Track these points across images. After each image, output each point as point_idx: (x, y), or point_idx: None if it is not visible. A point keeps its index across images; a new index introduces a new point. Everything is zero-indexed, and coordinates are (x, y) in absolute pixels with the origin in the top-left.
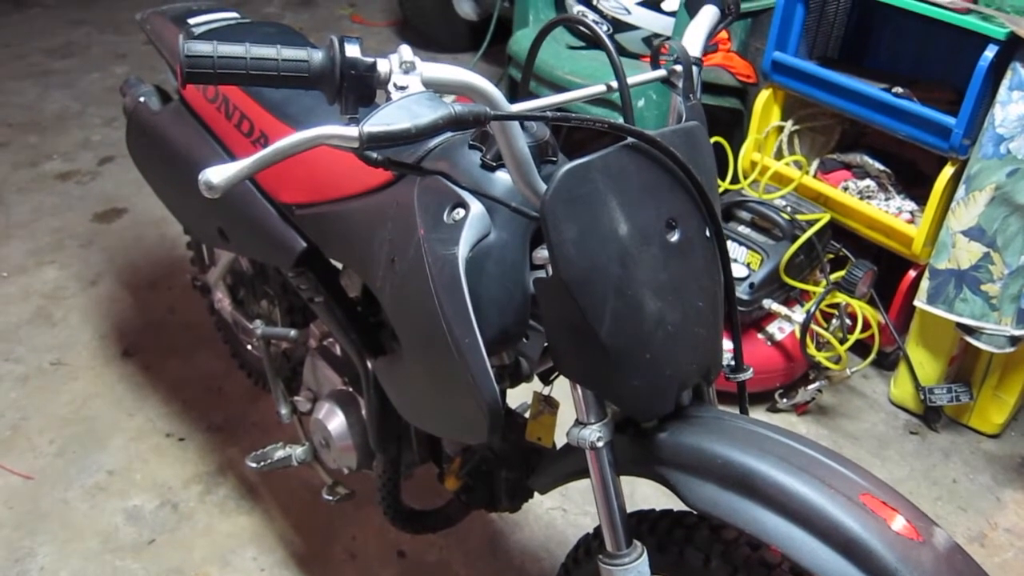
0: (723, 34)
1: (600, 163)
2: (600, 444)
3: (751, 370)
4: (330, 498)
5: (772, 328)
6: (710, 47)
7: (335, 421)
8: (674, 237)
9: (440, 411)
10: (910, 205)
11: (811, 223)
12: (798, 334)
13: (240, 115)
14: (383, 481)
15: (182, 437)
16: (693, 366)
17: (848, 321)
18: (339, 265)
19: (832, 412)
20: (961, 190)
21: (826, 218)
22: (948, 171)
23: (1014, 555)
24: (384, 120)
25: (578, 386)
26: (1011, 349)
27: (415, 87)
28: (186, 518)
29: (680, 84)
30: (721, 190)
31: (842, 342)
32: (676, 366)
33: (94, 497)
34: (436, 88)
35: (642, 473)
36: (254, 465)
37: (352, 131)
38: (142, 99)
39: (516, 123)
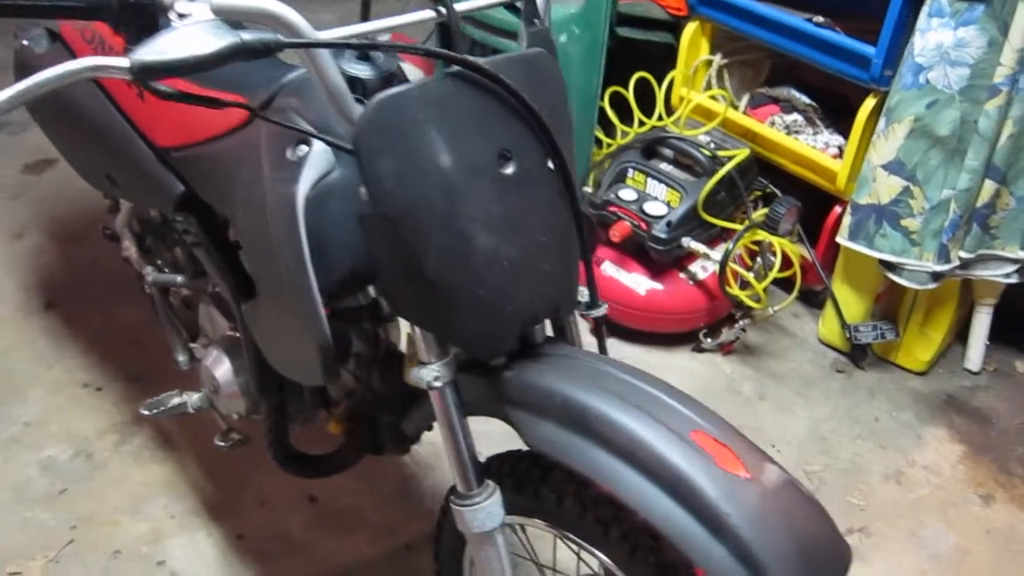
0: None
1: (418, 93)
2: (439, 384)
3: (605, 306)
4: (223, 444)
5: (694, 267)
6: None
7: (222, 367)
8: (509, 169)
9: (286, 352)
10: (838, 140)
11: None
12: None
13: None
14: (268, 426)
15: (100, 387)
16: (538, 303)
17: (772, 259)
18: None
19: (759, 351)
20: (881, 123)
21: (744, 153)
22: (870, 103)
23: (929, 492)
24: (159, 49)
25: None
26: (933, 285)
27: (201, 14)
28: (100, 468)
29: (523, 8)
30: (647, 127)
31: (762, 281)
32: (517, 303)
33: (8, 449)
34: (227, 15)
35: (488, 412)
36: (147, 412)
37: (124, 61)
38: (26, 42)
39: (326, 52)
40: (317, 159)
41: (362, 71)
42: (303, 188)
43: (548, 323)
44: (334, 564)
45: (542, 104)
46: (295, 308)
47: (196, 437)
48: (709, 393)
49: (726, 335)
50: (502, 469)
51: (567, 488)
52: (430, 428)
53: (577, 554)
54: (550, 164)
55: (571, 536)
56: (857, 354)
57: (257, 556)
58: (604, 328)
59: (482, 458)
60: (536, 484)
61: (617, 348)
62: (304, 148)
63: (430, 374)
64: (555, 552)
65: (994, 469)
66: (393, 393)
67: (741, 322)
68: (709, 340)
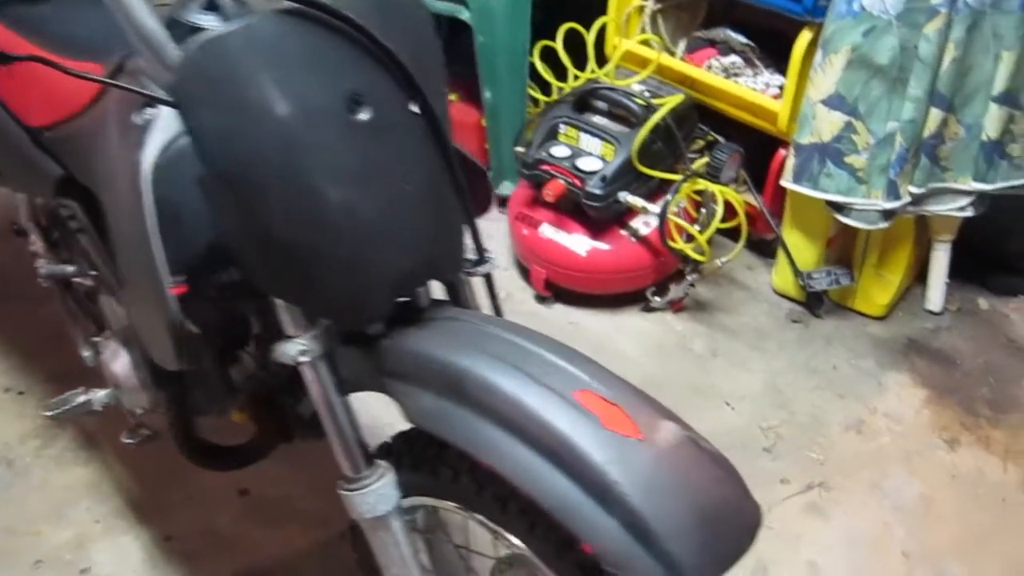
0: None
1: (244, 34)
2: (306, 359)
3: (492, 262)
4: (131, 441)
5: (636, 224)
6: None
7: (120, 360)
8: (363, 115)
9: (148, 336)
10: (779, 80)
11: None
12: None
13: None
14: (171, 419)
15: (21, 391)
16: (411, 262)
17: (715, 208)
18: None
19: (711, 307)
20: (818, 56)
21: (679, 99)
22: (806, 37)
23: (891, 440)
24: None
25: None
26: (885, 224)
27: None
28: (21, 475)
29: None
30: (582, 81)
31: (705, 232)
32: (385, 263)
33: None
34: None
35: (370, 386)
36: (50, 413)
37: None
38: None
39: None
40: (166, 122)
41: (208, 21)
42: (150, 154)
43: (442, 287)
44: (265, 557)
45: (401, 43)
46: (146, 286)
47: (118, 436)
48: (660, 353)
49: (674, 292)
50: (402, 447)
51: (462, 464)
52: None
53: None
54: (415, 109)
55: (475, 515)
56: (813, 303)
57: (185, 556)
58: (494, 286)
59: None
60: (432, 461)
61: (563, 313)
62: (151, 111)
63: (295, 348)
64: (467, 533)
65: (959, 412)
66: (284, 374)
67: (689, 277)
68: (658, 299)
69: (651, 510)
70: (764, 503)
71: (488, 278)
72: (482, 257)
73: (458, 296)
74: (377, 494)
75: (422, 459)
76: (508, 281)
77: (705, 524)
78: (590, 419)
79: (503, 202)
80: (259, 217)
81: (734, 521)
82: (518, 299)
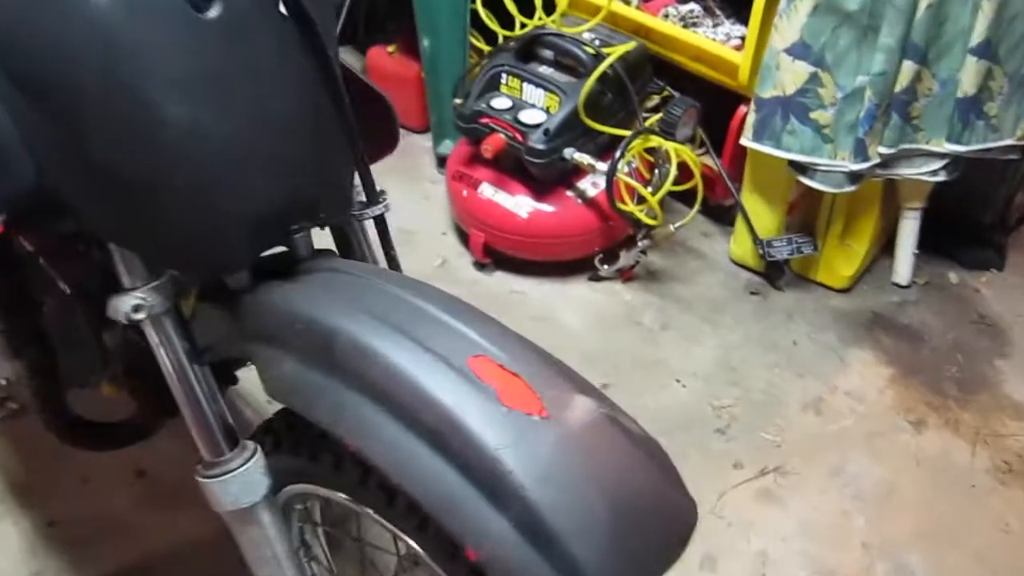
0: None
1: None
2: (141, 316)
3: (386, 203)
4: None
5: (584, 184)
6: None
7: None
8: (213, 12)
9: None
10: (740, 30)
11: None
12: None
13: None
14: (32, 390)
15: None
16: (279, 199)
17: (668, 168)
18: None
19: (664, 276)
20: (783, 1)
21: (630, 46)
22: None
23: (854, 422)
24: None
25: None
26: (851, 188)
27: None
28: None
29: None
30: (528, 29)
31: (656, 193)
32: (242, 199)
33: None
34: None
35: (232, 352)
36: None
37: None
38: None
39: None
40: None
41: None
42: None
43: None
44: (157, 546)
45: None
46: None
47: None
48: (607, 325)
49: (624, 260)
50: (282, 427)
51: (345, 448)
52: (234, 382)
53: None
54: (279, 7)
55: (364, 508)
56: (773, 273)
57: (71, 543)
58: (389, 233)
59: None
60: (313, 445)
61: (504, 281)
62: None
63: (128, 303)
64: (358, 526)
65: (925, 392)
66: None
67: (640, 244)
68: (606, 267)
69: (551, 505)
70: (715, 489)
71: (381, 223)
72: (374, 198)
73: (349, 246)
74: (240, 482)
75: (302, 441)
76: (446, 247)
77: (622, 524)
78: (484, 392)
79: (443, 162)
80: (76, 137)
81: (661, 521)
82: (455, 266)
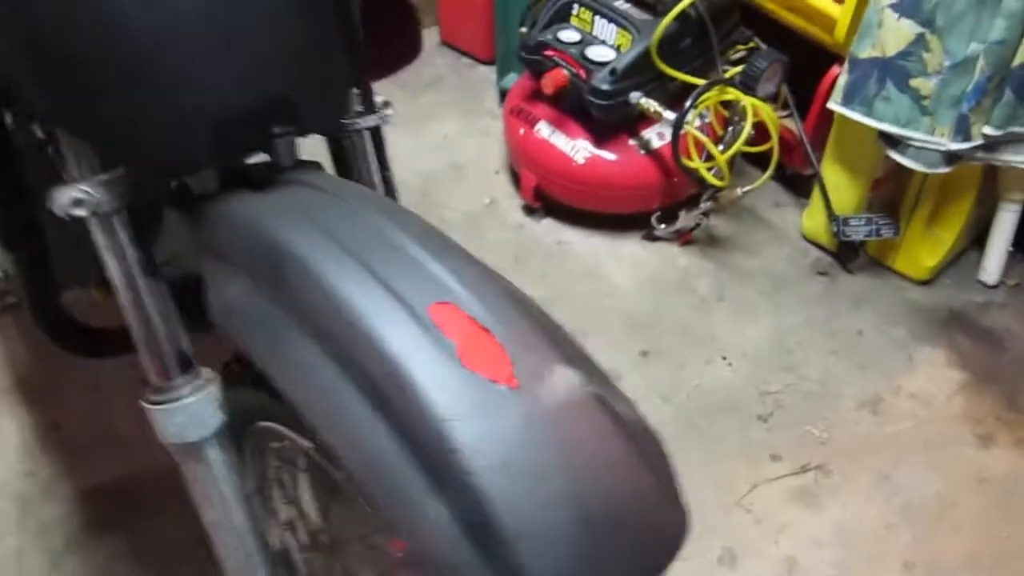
0: None
1: None
2: (80, 211)
3: (384, 114)
4: None
5: (649, 133)
6: None
7: None
8: None
9: None
10: None
11: None
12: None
13: None
14: (23, 285)
15: None
16: (254, 94)
17: (742, 125)
18: None
19: (725, 243)
20: None
21: None
22: None
23: (912, 426)
24: None
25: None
26: (946, 169)
27: None
28: None
29: None
30: None
31: (727, 151)
32: (206, 87)
33: None
34: None
35: (190, 265)
36: None
37: None
38: None
39: None
40: None
41: None
42: None
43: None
44: (151, 465)
45: None
46: None
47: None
48: (656, 289)
49: (684, 221)
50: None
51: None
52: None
53: None
54: None
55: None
56: (846, 254)
57: (69, 448)
58: (385, 148)
59: None
60: None
61: (551, 229)
62: None
63: (68, 195)
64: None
65: (999, 404)
66: None
67: (704, 205)
68: (663, 226)
69: (504, 499)
70: (747, 480)
71: (377, 137)
72: (370, 107)
73: (346, 161)
74: (187, 413)
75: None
76: (497, 187)
77: (590, 532)
78: (441, 347)
79: (505, 96)
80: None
81: (640, 534)
82: (503, 208)
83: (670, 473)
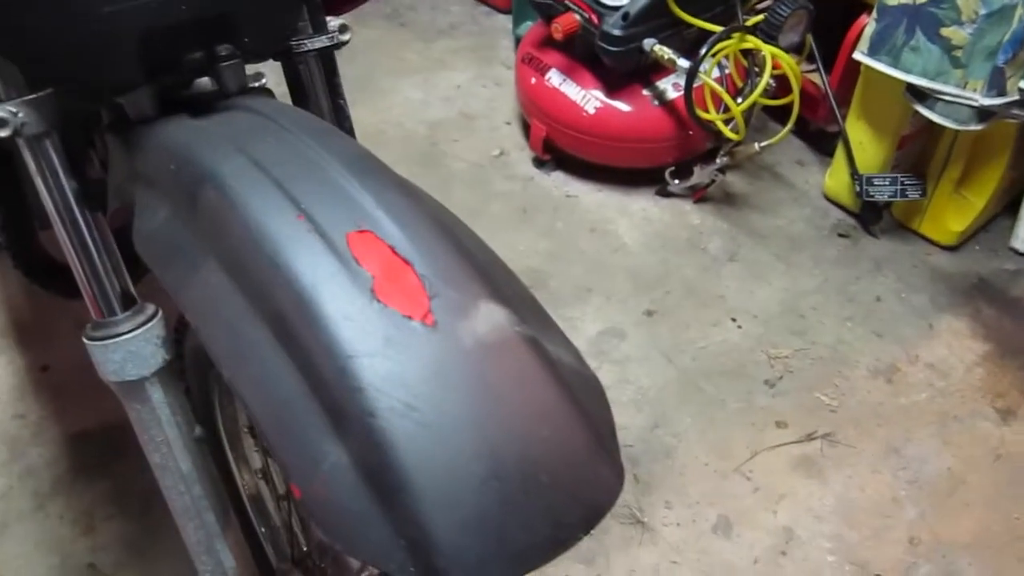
0: None
1: None
2: (3, 132)
3: (335, 35)
4: None
5: (663, 84)
6: None
7: None
8: None
9: None
10: None
11: None
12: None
13: None
14: (1, 222)
15: None
16: (180, 7)
17: (767, 78)
18: None
19: (741, 202)
20: None
21: None
22: None
23: (929, 398)
24: None
25: None
26: (978, 127)
27: None
28: None
29: None
30: None
31: (743, 102)
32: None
33: None
34: None
35: (124, 197)
36: None
37: None
38: None
39: None
40: None
41: None
42: None
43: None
44: None
45: None
46: None
47: None
48: (666, 246)
49: (698, 176)
50: None
51: None
52: None
53: None
54: None
55: None
56: (868, 216)
57: (59, 391)
58: (337, 72)
59: None
60: None
61: (561, 182)
62: None
63: None
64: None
65: (1022, 378)
66: None
67: (719, 160)
68: (677, 182)
69: (408, 446)
70: (748, 445)
71: (328, 60)
72: (319, 27)
73: (300, 87)
74: (127, 350)
75: None
76: (507, 138)
77: (504, 486)
78: (355, 278)
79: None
80: None
81: (563, 492)
82: (513, 159)
83: (607, 428)
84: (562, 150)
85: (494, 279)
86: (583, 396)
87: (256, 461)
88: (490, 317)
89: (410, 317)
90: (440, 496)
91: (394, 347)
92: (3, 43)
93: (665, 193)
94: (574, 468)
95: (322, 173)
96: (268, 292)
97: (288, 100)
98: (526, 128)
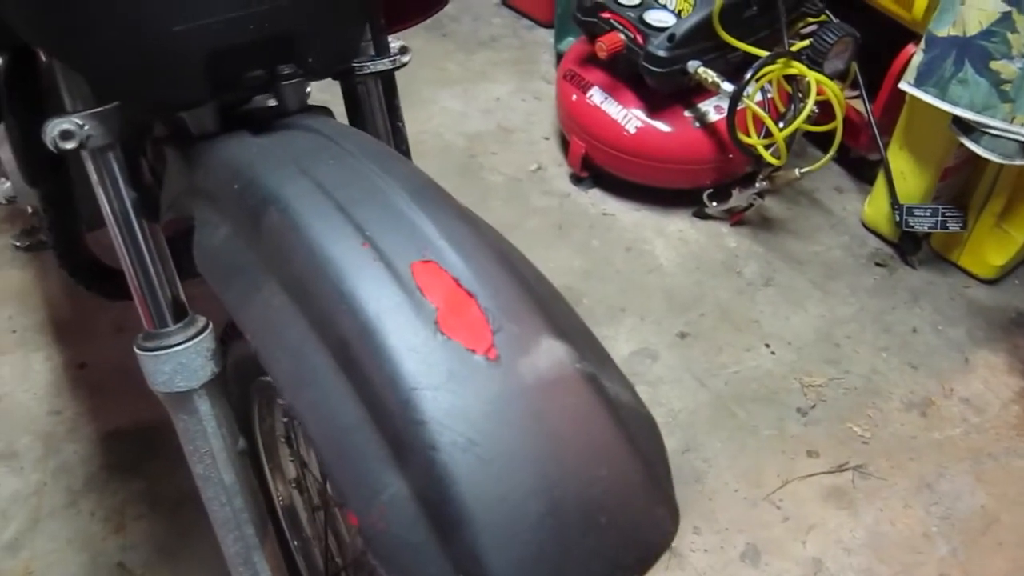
0: None
1: None
2: (69, 144)
3: (397, 59)
4: (18, 245)
5: (705, 106)
6: None
7: (5, 146)
8: None
9: None
10: None
11: None
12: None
13: None
14: (47, 222)
15: None
16: (245, 27)
17: (811, 105)
18: None
19: (779, 227)
20: None
21: None
22: None
23: (962, 432)
24: None
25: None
26: (1023, 162)
27: None
28: None
29: None
30: None
31: (786, 128)
32: (192, 18)
33: None
34: None
35: (185, 208)
36: None
37: None
38: None
39: None
40: None
41: None
42: None
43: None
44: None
45: None
46: None
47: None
48: (701, 269)
49: (736, 199)
50: None
51: None
52: None
53: None
54: None
55: None
56: (907, 246)
57: (95, 389)
58: (396, 93)
59: None
60: None
61: (598, 200)
62: None
63: (57, 128)
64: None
65: None
66: None
67: (759, 184)
68: (715, 204)
69: (469, 480)
70: (779, 474)
71: (388, 82)
72: (382, 51)
73: (358, 108)
74: (177, 362)
75: None
76: (545, 153)
77: (561, 525)
78: (420, 309)
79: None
80: None
81: (619, 532)
82: (550, 174)
83: (663, 468)
84: (600, 167)
85: (554, 313)
86: (639, 435)
87: (291, 471)
88: (551, 353)
89: (473, 351)
90: (499, 532)
91: (457, 381)
92: (75, 57)
93: (702, 215)
94: (631, 508)
95: (384, 199)
96: (332, 319)
97: (343, 118)
98: (564, 144)
